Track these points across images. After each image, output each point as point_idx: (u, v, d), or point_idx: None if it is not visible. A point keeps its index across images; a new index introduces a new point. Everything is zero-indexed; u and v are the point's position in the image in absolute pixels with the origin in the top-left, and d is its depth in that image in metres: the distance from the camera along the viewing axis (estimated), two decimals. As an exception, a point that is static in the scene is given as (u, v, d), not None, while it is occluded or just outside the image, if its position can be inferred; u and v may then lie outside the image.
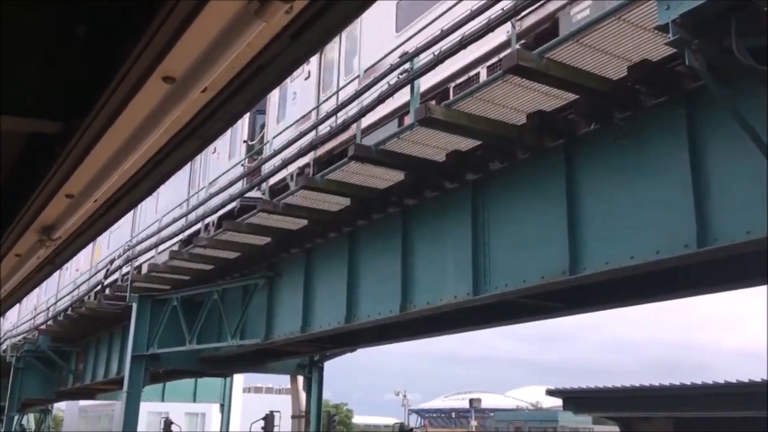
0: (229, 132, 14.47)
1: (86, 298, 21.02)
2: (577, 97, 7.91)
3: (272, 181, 12.76)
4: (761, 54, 5.94)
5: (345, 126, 10.07)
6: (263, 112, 15.49)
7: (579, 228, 8.42)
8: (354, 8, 1.99)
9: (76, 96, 2.28)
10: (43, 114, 2.44)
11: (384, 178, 10.59)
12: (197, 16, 1.55)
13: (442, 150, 9.58)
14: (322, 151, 12.00)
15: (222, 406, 30.46)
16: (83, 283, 22.75)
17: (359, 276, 12.39)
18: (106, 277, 19.08)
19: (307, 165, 12.59)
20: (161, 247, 16.75)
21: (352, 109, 10.12)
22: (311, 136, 11.31)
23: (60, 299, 25.10)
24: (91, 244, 22.86)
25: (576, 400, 16.57)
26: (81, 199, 2.69)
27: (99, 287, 19.46)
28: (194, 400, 31.75)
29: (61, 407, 53.67)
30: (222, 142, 16.32)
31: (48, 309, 25.98)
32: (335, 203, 11.70)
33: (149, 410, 37.86)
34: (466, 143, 9.36)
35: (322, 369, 21.81)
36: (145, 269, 17.56)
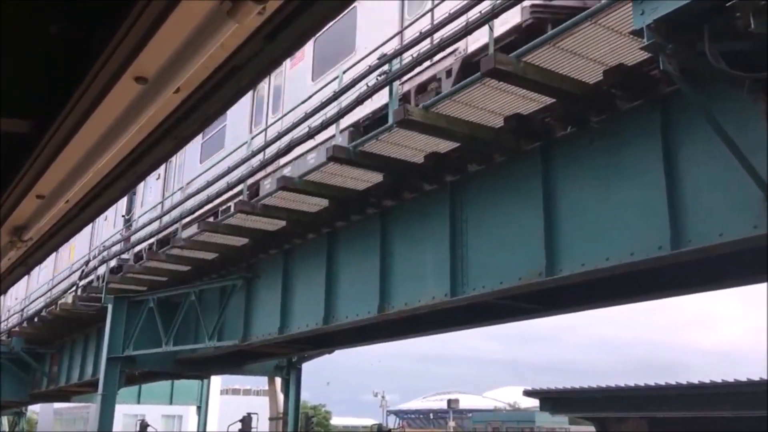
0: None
1: (61, 299, 20.76)
2: (554, 100, 7.96)
3: (249, 181, 12.70)
4: (734, 58, 6.03)
5: (323, 126, 10.04)
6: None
7: (555, 230, 8.48)
8: (330, 9, 1.99)
9: (47, 95, 2.25)
10: (13, 113, 2.41)
11: (362, 179, 10.58)
12: (169, 15, 1.54)
13: (420, 152, 9.60)
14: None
15: (199, 408, 30.22)
16: (58, 284, 22.47)
17: (337, 277, 12.37)
18: (81, 278, 18.85)
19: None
20: (137, 248, 16.60)
21: (332, 110, 10.10)
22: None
23: (34, 300, 24.75)
24: (66, 245, 22.61)
25: (552, 400, 16.68)
26: (52, 199, 2.66)
27: (74, 288, 19.22)
28: (171, 403, 31.48)
29: (35, 409, 52.90)
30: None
31: (22, 310, 25.62)
32: (314, 204, 11.67)
33: (125, 412, 37.49)
34: (444, 145, 9.38)
35: (300, 370, 21.75)
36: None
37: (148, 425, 24.71)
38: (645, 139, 7.59)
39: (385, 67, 9.22)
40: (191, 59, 1.71)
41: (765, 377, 13.04)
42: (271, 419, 22.43)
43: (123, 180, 2.96)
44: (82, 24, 2.04)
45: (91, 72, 1.93)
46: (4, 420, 37.58)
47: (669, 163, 7.31)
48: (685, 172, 7.21)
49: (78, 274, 19.39)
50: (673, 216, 7.16)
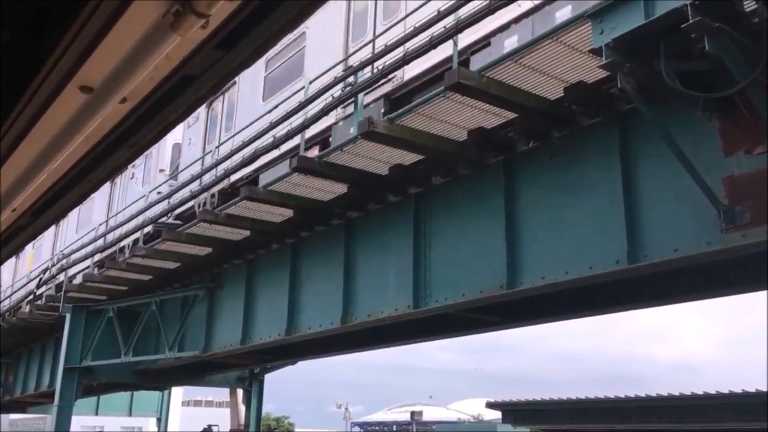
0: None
1: (18, 307, 20.29)
2: (516, 115, 8.07)
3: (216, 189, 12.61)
4: (690, 78, 6.19)
5: (288, 136, 10.02)
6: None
7: (517, 243, 8.57)
8: (280, 24, 2.00)
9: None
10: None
11: (327, 190, 10.58)
12: (112, 27, 1.54)
13: (385, 163, 9.64)
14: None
15: (159, 419, 29.75)
16: (15, 292, 21.97)
17: (301, 288, 12.33)
18: (38, 286, 18.47)
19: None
20: (97, 256, 16.32)
21: (297, 119, 10.09)
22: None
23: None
24: (25, 252, 22.16)
25: (515, 412, 16.76)
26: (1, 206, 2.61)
27: (31, 297, 18.81)
28: (130, 414, 30.92)
29: (-11, 421, 51.50)
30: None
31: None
32: (278, 214, 11.62)
33: (82, 424, 36.69)
34: (408, 157, 9.44)
35: (262, 381, 21.55)
36: (79, 279, 17.07)
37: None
38: (604, 155, 7.73)
39: (351, 79, 9.25)
40: (136, 69, 1.71)
41: (724, 390, 13.29)
42: (232, 431, 22.15)
43: (77, 188, 2.92)
44: (28, 31, 2.02)
45: (35, 80, 1.91)
46: (-44, 432, 36.51)
47: (627, 179, 7.46)
48: (643, 188, 7.36)
49: (36, 282, 18.99)
50: (630, 231, 7.29)
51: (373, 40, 9.62)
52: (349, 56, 10.28)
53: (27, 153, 2.16)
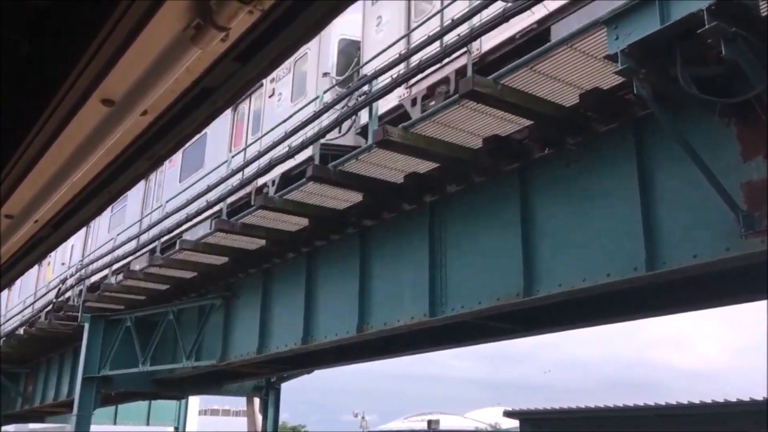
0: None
1: (37, 318, 20.47)
2: (532, 122, 8.06)
3: (231, 199, 12.68)
4: (707, 83, 6.15)
5: (303, 146, 10.06)
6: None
7: (533, 250, 8.54)
8: (298, 33, 2.02)
9: (16, 115, 2.25)
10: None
11: (342, 199, 10.60)
12: (134, 41, 1.56)
13: (400, 172, 9.65)
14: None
15: (176, 428, 29.82)
16: (34, 302, 22.17)
17: (317, 297, 12.34)
18: (57, 296, 18.62)
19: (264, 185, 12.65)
20: (116, 266, 16.44)
21: (312, 129, 10.14)
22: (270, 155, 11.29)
23: (9, 319, 24.38)
24: (44, 263, 22.38)
25: (532, 421, 16.67)
26: (21, 219, 2.65)
27: (50, 307, 18.97)
28: (147, 423, 31.00)
29: (8, 430, 51.87)
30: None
31: (-2, 328, 25.21)
32: (293, 223, 11.66)
33: (101, 433, 36.82)
34: (423, 165, 9.44)
35: (278, 390, 21.56)
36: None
37: None
38: (620, 162, 7.69)
39: (365, 88, 9.29)
40: (157, 83, 1.73)
41: (742, 398, 13.13)
42: (249, 440, 22.18)
43: (97, 199, 2.95)
44: (50, 45, 2.06)
45: (59, 93, 1.94)
46: (-24, 441, 36.80)
47: (644, 185, 7.41)
48: (660, 194, 7.31)
49: (54, 292, 19.16)
50: (648, 237, 7.24)
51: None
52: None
53: (49, 165, 2.19)
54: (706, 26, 5.37)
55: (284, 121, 11.56)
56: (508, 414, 17.44)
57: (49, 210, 2.58)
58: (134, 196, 18.20)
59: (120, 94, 1.80)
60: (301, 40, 2.03)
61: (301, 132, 10.19)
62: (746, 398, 12.97)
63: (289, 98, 13.06)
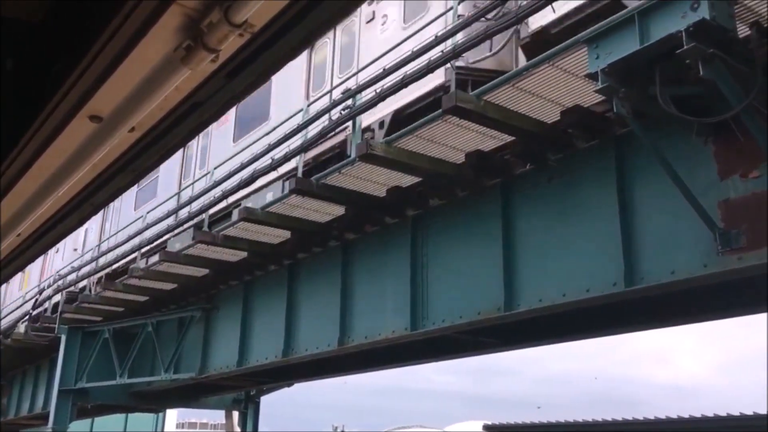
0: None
1: (13, 329, 20.18)
2: (514, 138, 8.14)
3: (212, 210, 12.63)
4: (685, 102, 6.26)
5: (286, 159, 10.08)
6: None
7: (514, 265, 8.60)
8: (285, 52, 2.05)
9: (1, 130, 2.26)
10: (-34, 146, 2.40)
11: (325, 212, 10.62)
12: (124, 59, 1.58)
13: (382, 185, 9.69)
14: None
15: (154, 442, 29.48)
16: (10, 313, 21.86)
17: (298, 310, 12.30)
18: (34, 307, 18.39)
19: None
20: (94, 277, 16.29)
21: (295, 142, 10.16)
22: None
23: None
24: (19, 273, 22.09)
25: (512, 435, 16.69)
26: (5, 233, 2.64)
27: (26, 317, 18.72)
28: (124, 437, 30.63)
29: (-20, 444, 50.88)
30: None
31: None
32: (275, 236, 11.65)
33: (76, 447, 36.26)
34: (406, 179, 9.49)
35: (258, 404, 21.40)
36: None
37: None
38: (600, 178, 7.79)
39: (349, 102, 9.33)
40: (146, 101, 1.75)
41: (726, 413, 13.26)
42: (228, 454, 21.97)
43: (78, 212, 2.95)
44: (38, 60, 2.07)
45: (46, 109, 1.95)
46: (-52, 455, 36.07)
47: (623, 202, 7.51)
48: (639, 211, 7.41)
49: (31, 303, 18.92)
50: (627, 253, 7.33)
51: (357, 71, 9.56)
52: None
53: (35, 180, 2.19)
54: (685, 47, 5.48)
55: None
56: (488, 428, 17.46)
57: (32, 224, 2.57)
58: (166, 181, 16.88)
59: (108, 111, 1.82)
60: (285, 59, 2.06)
61: (284, 144, 10.21)
62: (724, 413, 13.11)
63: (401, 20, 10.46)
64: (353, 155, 8.84)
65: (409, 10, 10.11)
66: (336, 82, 11.33)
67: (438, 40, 7.79)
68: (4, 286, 22.42)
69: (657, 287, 7.17)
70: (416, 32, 8.71)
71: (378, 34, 10.71)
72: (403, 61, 8.28)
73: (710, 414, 13.37)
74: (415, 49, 8.11)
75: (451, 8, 8.33)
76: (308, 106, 10.76)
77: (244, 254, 12.45)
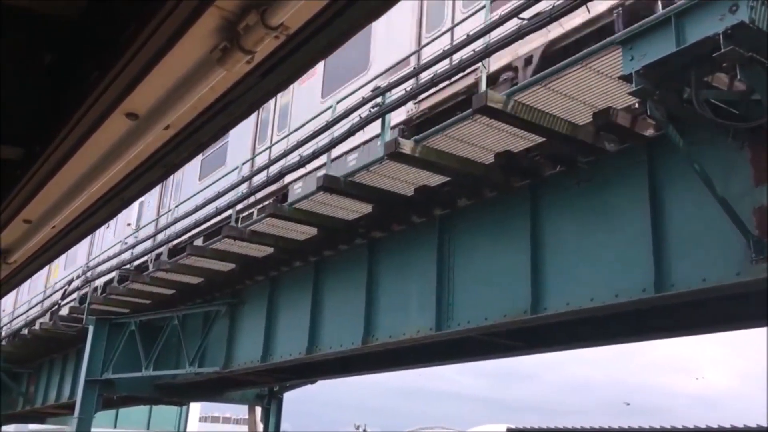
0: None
1: (42, 318, 20.58)
2: (544, 139, 8.10)
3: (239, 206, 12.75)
4: (721, 106, 6.19)
5: (314, 155, 10.13)
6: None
7: (542, 268, 8.56)
8: (318, 50, 2.08)
9: (39, 123, 2.32)
10: (4, 139, 2.47)
11: (352, 209, 10.66)
12: (162, 59, 1.62)
13: (410, 184, 9.69)
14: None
15: (176, 434, 29.85)
16: (39, 302, 22.29)
17: (323, 307, 12.38)
18: (63, 297, 18.73)
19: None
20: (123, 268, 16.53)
21: (323, 140, 10.21)
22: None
23: (14, 319, 24.52)
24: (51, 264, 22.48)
25: (536, 439, 16.60)
26: (39, 224, 2.71)
27: (55, 308, 19.08)
28: (148, 428, 31.06)
29: (9, 430, 51.95)
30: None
31: (1, 328, 25.34)
32: (302, 232, 11.72)
33: (101, 436, 36.87)
34: (434, 179, 9.49)
35: (281, 400, 21.56)
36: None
37: None
38: (631, 182, 7.72)
39: (378, 100, 9.35)
40: (182, 100, 1.79)
41: (752, 424, 13.06)
42: (249, 449, 22.17)
43: (109, 205, 3.01)
44: (78, 57, 2.12)
45: (84, 105, 2.00)
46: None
47: (654, 207, 7.43)
48: (671, 216, 7.33)
49: (60, 293, 19.26)
50: (657, 259, 7.25)
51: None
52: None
53: (71, 174, 2.25)
54: (722, 50, 5.40)
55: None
56: None
57: (66, 217, 2.64)
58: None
59: (145, 109, 1.86)
60: (318, 58, 2.09)
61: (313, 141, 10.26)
62: (752, 425, 12.90)
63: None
64: (382, 153, 8.86)
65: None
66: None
67: (469, 39, 7.69)
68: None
69: (688, 294, 7.09)
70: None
71: None
72: (433, 60, 8.29)
73: (736, 424, 13.17)
74: (445, 48, 8.11)
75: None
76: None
77: (271, 250, 12.55)
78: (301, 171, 10.80)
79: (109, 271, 16.81)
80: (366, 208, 10.53)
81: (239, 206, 12.63)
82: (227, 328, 14.95)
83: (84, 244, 21.63)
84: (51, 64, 2.47)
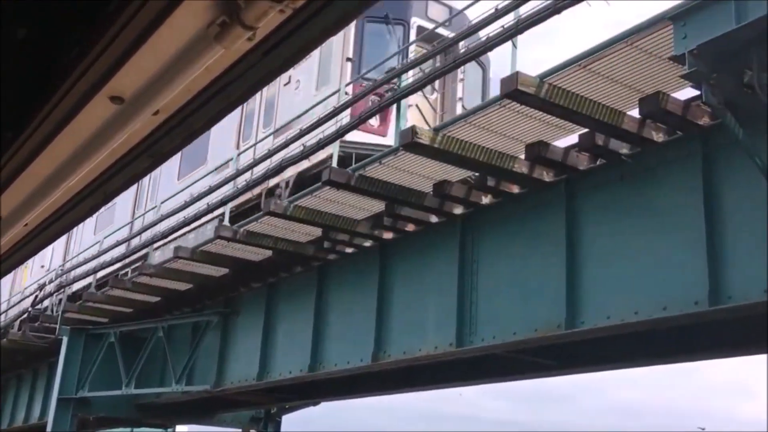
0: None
1: (9, 328, 20.74)
2: (582, 128, 8.08)
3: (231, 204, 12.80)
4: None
5: (319, 146, 10.16)
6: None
7: (579, 276, 8.53)
8: (326, 26, 2.09)
9: (11, 107, 2.33)
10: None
11: (362, 207, 10.68)
12: (151, 35, 1.63)
13: (428, 179, 9.70)
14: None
15: (160, 461, 29.95)
16: (6, 310, 22.47)
17: (327, 317, 12.39)
18: (33, 304, 18.87)
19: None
20: (100, 273, 16.64)
21: (329, 128, 10.24)
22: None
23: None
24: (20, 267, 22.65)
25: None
26: (9, 221, 2.73)
27: (25, 316, 19.22)
28: (128, 454, 31.18)
29: (-30, 455, 52.38)
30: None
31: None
32: (305, 233, 11.75)
33: (75, 463, 37.05)
34: (456, 173, 9.49)
35: (279, 423, 21.60)
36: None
37: None
38: (683, 177, 7.69)
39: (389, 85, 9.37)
40: (173, 82, 1.80)
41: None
42: (243, 479, 22.23)
43: (89, 200, 3.04)
44: (56, 34, 2.14)
45: (62, 87, 2.02)
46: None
47: (710, 207, 7.39)
48: (728, 218, 7.29)
49: (31, 299, 19.40)
50: (712, 268, 7.21)
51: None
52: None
53: (47, 165, 2.26)
54: (789, 28, 5.38)
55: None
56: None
57: (41, 213, 2.66)
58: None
59: (131, 92, 1.88)
60: (327, 34, 2.10)
61: (318, 130, 10.30)
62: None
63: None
64: (396, 143, 8.87)
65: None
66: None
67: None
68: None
69: (746, 308, 7.05)
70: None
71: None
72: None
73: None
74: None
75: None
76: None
77: (269, 253, 12.58)
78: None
79: (86, 275, 16.90)
80: (377, 206, 10.55)
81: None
82: (219, 342, 15.00)
83: (59, 243, 21.78)
84: (24, 39, 2.48)
